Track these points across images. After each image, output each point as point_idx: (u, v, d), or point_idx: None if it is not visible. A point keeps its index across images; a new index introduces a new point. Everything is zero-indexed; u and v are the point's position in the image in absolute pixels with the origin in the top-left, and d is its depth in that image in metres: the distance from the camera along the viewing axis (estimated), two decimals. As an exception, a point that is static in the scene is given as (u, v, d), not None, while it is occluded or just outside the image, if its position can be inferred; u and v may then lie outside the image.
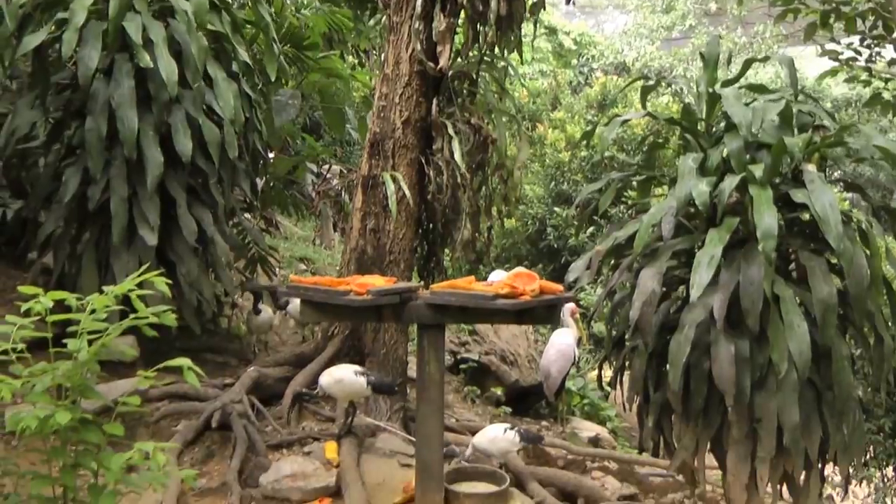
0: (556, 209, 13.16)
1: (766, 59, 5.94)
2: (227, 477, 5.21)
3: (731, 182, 4.41)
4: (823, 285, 4.21)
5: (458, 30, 6.66)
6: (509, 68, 7.40)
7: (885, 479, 8.14)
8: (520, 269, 4.90)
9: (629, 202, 10.47)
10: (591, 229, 11.79)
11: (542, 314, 4.76)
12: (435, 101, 6.51)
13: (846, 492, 6.57)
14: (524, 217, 13.36)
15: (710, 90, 5.04)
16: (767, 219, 4.12)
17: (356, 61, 11.92)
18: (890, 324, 4.71)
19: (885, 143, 4.54)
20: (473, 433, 5.82)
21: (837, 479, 6.75)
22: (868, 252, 4.37)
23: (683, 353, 4.28)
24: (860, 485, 8.23)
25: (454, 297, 4.55)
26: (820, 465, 4.69)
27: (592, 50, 24.29)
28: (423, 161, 6.53)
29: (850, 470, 4.90)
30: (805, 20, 7.96)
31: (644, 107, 5.59)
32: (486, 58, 6.87)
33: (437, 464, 4.81)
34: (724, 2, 22.33)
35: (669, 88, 13.78)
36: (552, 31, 24.34)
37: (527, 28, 6.92)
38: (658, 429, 4.97)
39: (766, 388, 4.34)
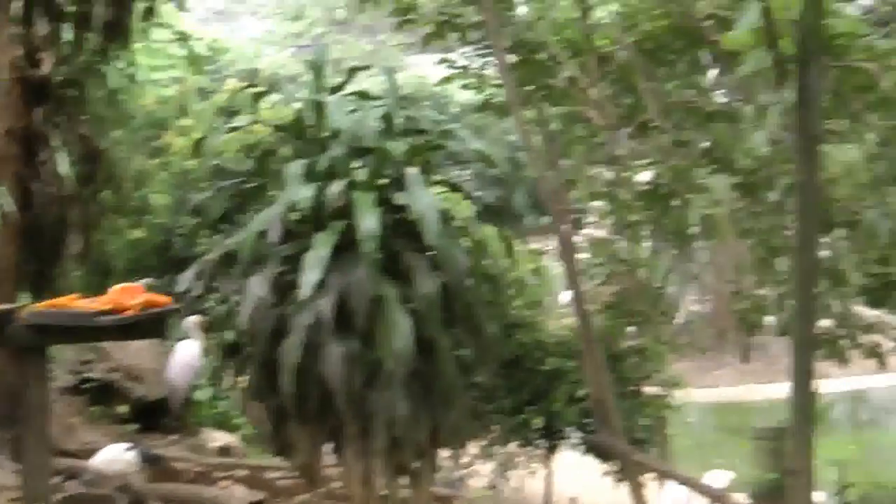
0: (183, 218, 12.86)
1: (367, 68, 6.09)
2: None
3: (335, 186, 4.53)
4: (426, 281, 4.44)
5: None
6: (134, 75, 7.13)
7: (508, 455, 8.70)
8: (125, 284, 4.70)
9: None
10: (219, 236, 11.61)
11: (150, 328, 4.59)
12: (40, 111, 6.13)
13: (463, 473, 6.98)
14: (153, 227, 12.94)
15: (316, 98, 5.14)
16: (368, 221, 4.30)
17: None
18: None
19: (481, 146, 4.89)
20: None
21: (465, 460, 7.17)
22: (470, 247, 4.64)
23: (294, 357, 4.34)
24: (485, 462, 8.73)
25: (52, 317, 4.28)
26: (434, 452, 4.93)
27: (226, 56, 23.99)
28: (29, 173, 6.12)
29: (476, 450, 5.18)
30: (425, 30, 8.33)
31: (255, 113, 5.59)
32: (97, 65, 6.58)
33: (46, 494, 4.53)
34: (350, 11, 23.05)
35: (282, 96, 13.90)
36: (184, 37, 23.71)
37: (158, 34, 6.73)
38: (279, 433, 5.00)
39: (375, 385, 4.49)
